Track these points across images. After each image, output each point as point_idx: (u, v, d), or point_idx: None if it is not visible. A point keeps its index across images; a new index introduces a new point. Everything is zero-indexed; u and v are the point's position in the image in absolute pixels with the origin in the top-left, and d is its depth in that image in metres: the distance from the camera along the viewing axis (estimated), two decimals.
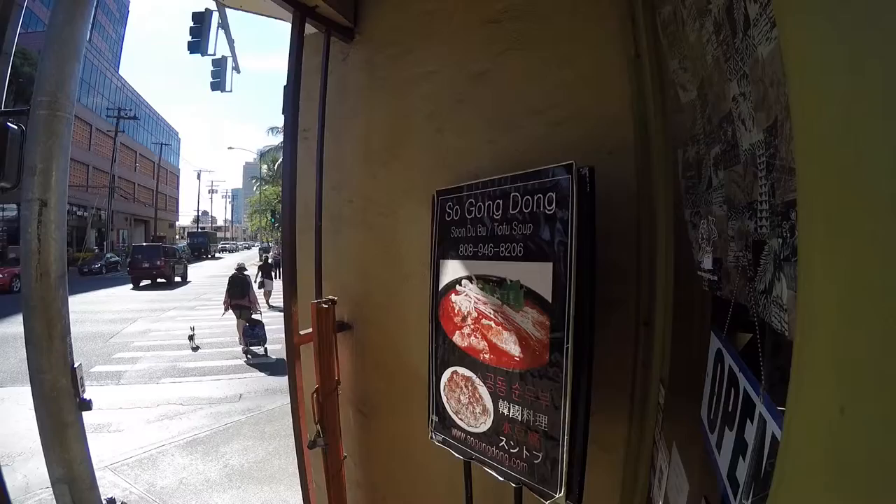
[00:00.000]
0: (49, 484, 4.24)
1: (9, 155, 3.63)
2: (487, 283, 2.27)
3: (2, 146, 3.61)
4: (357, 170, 3.23)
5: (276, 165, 49.80)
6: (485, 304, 2.27)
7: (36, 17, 25.59)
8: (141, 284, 27.08)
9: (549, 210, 1.99)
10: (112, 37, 54.89)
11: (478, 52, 2.73)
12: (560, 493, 1.90)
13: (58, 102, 3.84)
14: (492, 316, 2.24)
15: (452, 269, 2.48)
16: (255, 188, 63.98)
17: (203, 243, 58.92)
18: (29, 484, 5.31)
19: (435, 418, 2.59)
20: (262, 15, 3.88)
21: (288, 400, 7.50)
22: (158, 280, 28.99)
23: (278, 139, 47.95)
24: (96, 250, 40.01)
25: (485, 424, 2.28)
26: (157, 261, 28.50)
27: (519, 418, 2.10)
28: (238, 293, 12.31)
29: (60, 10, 3.99)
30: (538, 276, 2.02)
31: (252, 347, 11.82)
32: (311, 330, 2.97)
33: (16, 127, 3.75)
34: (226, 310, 12.42)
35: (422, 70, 2.95)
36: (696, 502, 1.48)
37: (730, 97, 1.19)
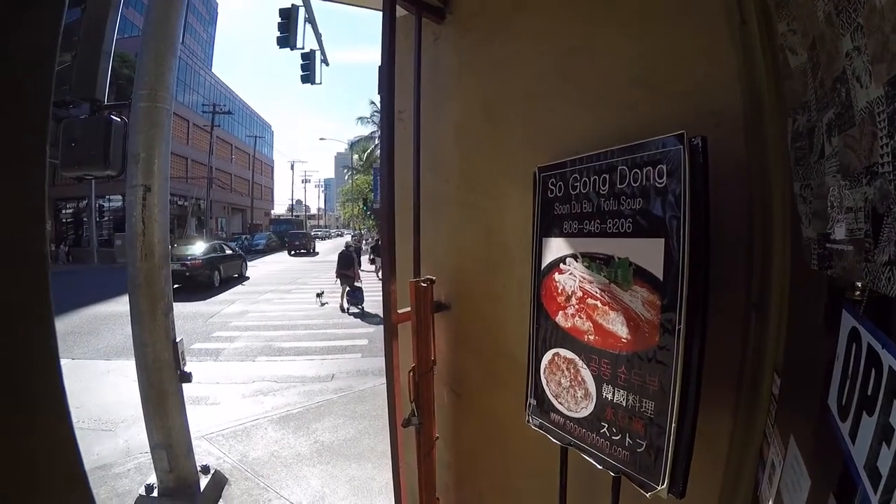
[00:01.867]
0: (148, 449, 4.61)
1: (114, 145, 3.92)
2: (594, 261, 2.17)
3: (107, 137, 3.91)
4: (453, 149, 3.19)
5: (367, 155, 50.83)
6: (590, 282, 2.18)
7: (131, 23, 27.27)
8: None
9: (659, 183, 1.88)
10: (203, 38, 57.65)
11: (572, 23, 2.62)
12: (663, 484, 1.81)
13: (157, 94, 4.11)
14: (598, 295, 2.14)
15: (556, 247, 2.40)
16: (346, 177, 65.45)
17: (289, 231, 53.11)
18: (129, 448, 5.70)
19: (533, 401, 2.51)
20: (350, 4, 3.92)
21: (378, 382, 7.78)
22: (301, 251, 44.29)
23: (368, 129, 48.91)
24: (195, 235, 42.37)
25: (586, 409, 2.19)
26: (303, 240, 45.97)
27: (623, 404, 2.00)
28: (344, 266, 15.77)
29: (155, 8, 4.25)
30: (648, 253, 1.91)
31: (351, 307, 15.30)
32: (409, 309, 2.96)
33: (119, 119, 4.04)
34: (337, 278, 16.14)
35: (515, 46, 2.87)
36: (821, 499, 1.36)
37: (843, 54, 1.09)
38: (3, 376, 0.89)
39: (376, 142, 50.00)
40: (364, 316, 14.61)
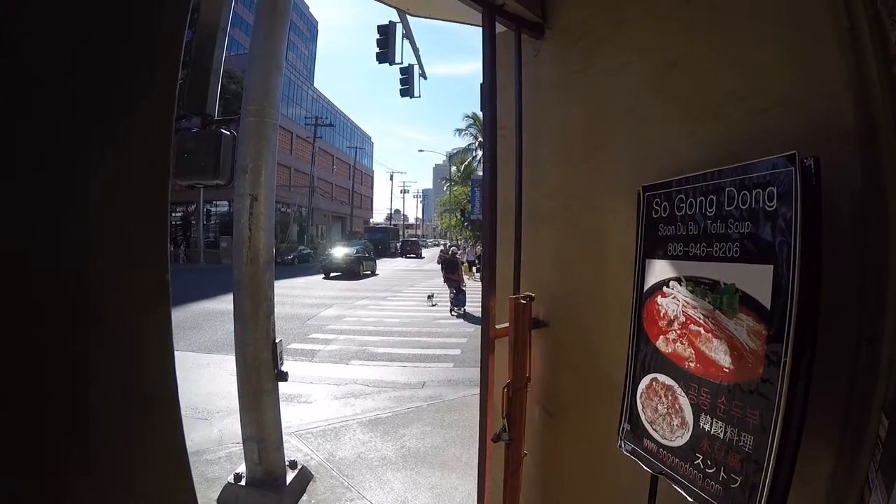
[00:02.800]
0: (240, 440, 4.83)
1: (223, 156, 4.16)
2: (698, 286, 2.10)
3: (217, 149, 4.17)
4: (555, 165, 3.16)
5: (464, 166, 51.25)
6: (694, 308, 2.11)
7: (236, 41, 29.09)
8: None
9: (769, 206, 1.80)
10: (305, 54, 60.68)
11: (671, 37, 2.56)
12: None
13: (264, 110, 4.35)
14: (701, 321, 2.07)
15: (660, 270, 2.34)
16: (444, 188, 66.23)
17: (382, 240, 56.29)
18: (223, 438, 6.03)
19: (627, 426, 2.45)
20: (449, 21, 3.95)
21: (468, 393, 7.82)
22: (410, 255, 52.92)
23: (465, 141, 49.35)
24: (296, 241, 44.42)
25: (681, 439, 2.12)
26: (414, 247, 54.78)
27: (721, 436, 1.92)
28: (449, 270, 17.46)
29: (261, 28, 4.52)
30: (756, 280, 1.83)
31: (455, 307, 16.60)
32: (507, 325, 2.94)
33: (228, 133, 4.31)
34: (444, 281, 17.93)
35: (616, 61, 2.81)
36: None
37: None
38: (127, 367, 1.00)
39: (474, 153, 50.34)
40: (465, 317, 15.84)
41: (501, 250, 3.03)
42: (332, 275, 29.54)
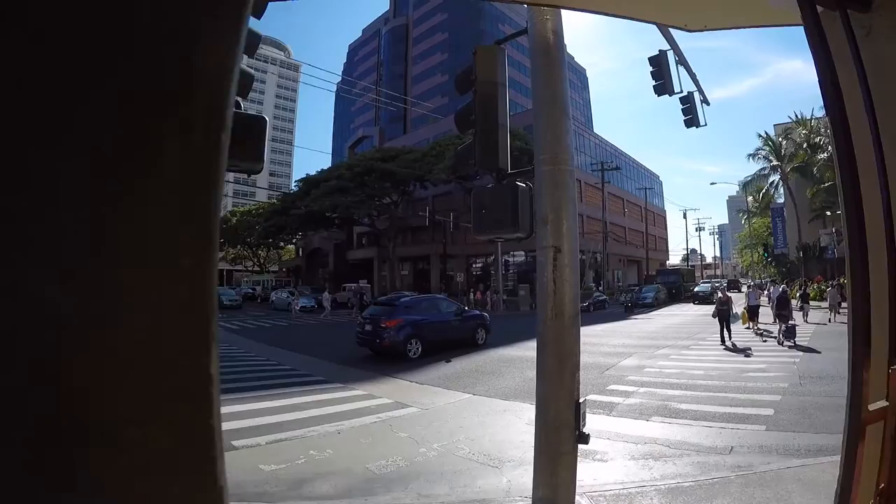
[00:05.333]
0: (528, 494, 4.56)
1: (521, 209, 4.10)
2: None
3: (514, 202, 4.12)
4: None
5: (762, 195, 46.43)
6: None
7: (513, 101, 30.93)
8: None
9: None
10: (580, 103, 61.97)
11: None
12: None
13: (558, 157, 4.19)
14: None
15: None
16: (742, 221, 60.76)
17: (675, 283, 51.14)
18: (510, 489, 5.88)
19: None
20: (732, 27, 3.40)
21: (784, 464, 6.71)
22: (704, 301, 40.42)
23: (757, 166, 44.88)
24: (594, 287, 44.36)
25: None
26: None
27: None
28: (781, 306, 19.24)
29: (539, 75, 4.37)
30: None
31: (786, 341, 17.26)
32: (882, 404, 2.12)
33: (524, 185, 4.28)
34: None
35: None
36: None
37: None
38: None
39: (770, 179, 45.24)
40: (795, 349, 16.36)
41: (876, 300, 2.17)
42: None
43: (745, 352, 16.50)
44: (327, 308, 36.04)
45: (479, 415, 9.33)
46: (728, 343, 17.91)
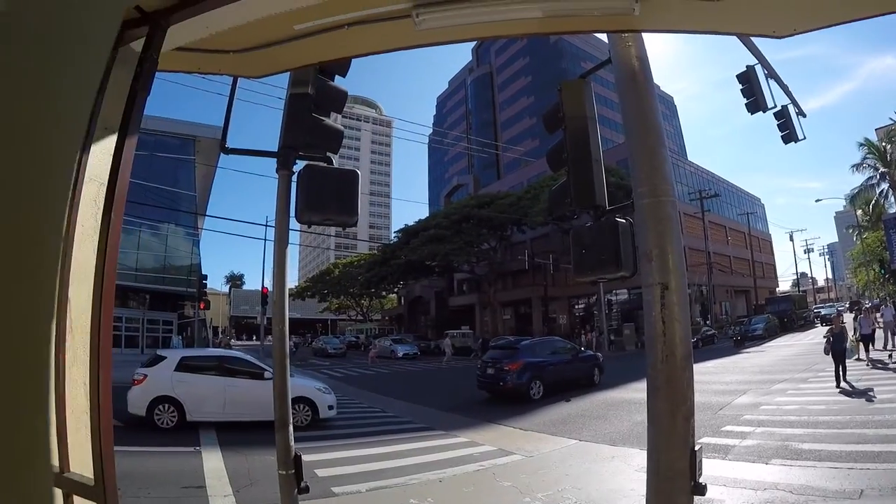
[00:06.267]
0: None
1: (623, 247, 3.92)
2: None
3: (615, 240, 3.95)
4: None
5: (872, 206, 42.88)
6: None
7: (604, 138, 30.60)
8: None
9: None
10: (671, 131, 60.11)
11: None
12: None
13: (657, 188, 3.98)
14: None
15: None
16: (854, 238, 56.30)
17: (786, 311, 47.01)
18: None
19: None
20: (830, 24, 3.12)
21: None
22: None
23: (863, 176, 41.60)
24: (701, 322, 42.24)
25: None
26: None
27: None
28: None
29: (629, 104, 4.16)
30: None
31: None
32: None
33: (624, 220, 4.09)
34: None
35: None
36: None
37: None
38: None
39: (879, 188, 41.67)
40: None
41: None
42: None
43: (867, 394, 13.81)
44: (448, 353, 36.27)
45: (585, 461, 8.96)
46: (844, 384, 14.92)
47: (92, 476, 1.71)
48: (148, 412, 11.48)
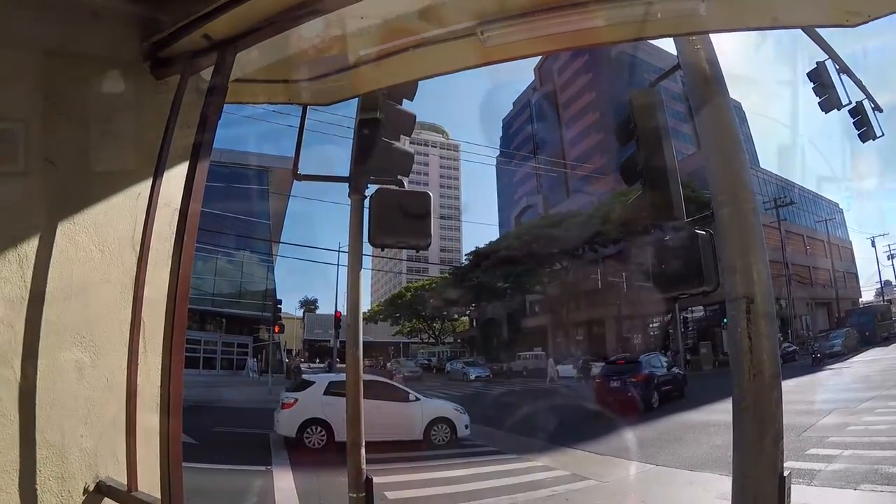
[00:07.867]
0: None
1: (704, 259, 3.75)
2: None
3: (695, 252, 3.78)
4: None
5: None
6: None
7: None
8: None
9: None
10: (741, 138, 57.80)
11: None
12: None
13: (738, 196, 3.79)
14: None
15: None
16: None
17: (868, 323, 42.87)
18: None
19: None
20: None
21: None
22: None
23: None
24: (780, 338, 40.18)
25: None
26: None
27: None
28: None
29: (703, 110, 3.98)
30: None
31: None
32: None
33: (704, 232, 3.91)
34: None
35: None
36: None
37: None
38: None
39: None
40: None
41: None
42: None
43: None
44: (554, 374, 36.12)
45: (662, 485, 8.63)
46: None
47: (159, 497, 1.74)
48: (298, 433, 12.20)
